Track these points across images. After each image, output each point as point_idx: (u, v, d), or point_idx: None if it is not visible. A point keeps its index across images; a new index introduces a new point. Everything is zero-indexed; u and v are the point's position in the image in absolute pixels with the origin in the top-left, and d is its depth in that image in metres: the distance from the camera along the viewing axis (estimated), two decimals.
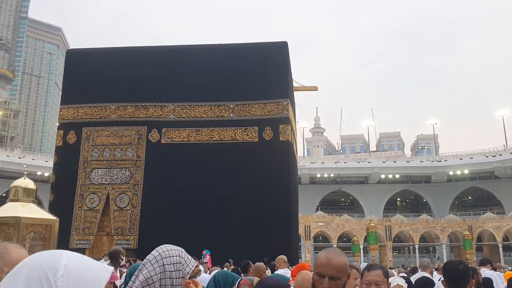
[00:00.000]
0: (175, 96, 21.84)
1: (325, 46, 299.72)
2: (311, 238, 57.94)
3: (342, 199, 76.70)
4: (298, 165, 67.56)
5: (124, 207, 20.86)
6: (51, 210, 21.11)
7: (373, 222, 29.57)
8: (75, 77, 22.80)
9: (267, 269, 11.35)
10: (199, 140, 21.36)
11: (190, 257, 3.95)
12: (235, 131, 21.29)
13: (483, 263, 9.92)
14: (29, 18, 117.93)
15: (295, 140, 24.61)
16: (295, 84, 26.48)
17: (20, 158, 55.51)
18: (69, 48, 48.50)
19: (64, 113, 22.41)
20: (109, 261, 7.62)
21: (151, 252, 2.28)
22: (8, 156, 55.89)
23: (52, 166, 22.43)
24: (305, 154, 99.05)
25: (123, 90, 21.97)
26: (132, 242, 20.45)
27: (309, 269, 9.64)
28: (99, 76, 22.27)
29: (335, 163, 68.41)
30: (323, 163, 68.71)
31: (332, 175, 68.41)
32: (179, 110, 21.74)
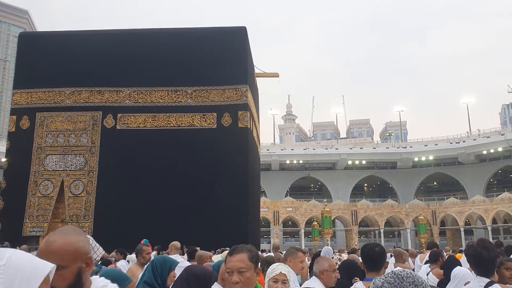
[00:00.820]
0: (131, 81, 21.44)
1: (298, 35, 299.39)
2: (280, 223, 58.37)
3: (311, 185, 77.39)
4: (268, 152, 68.05)
5: (79, 194, 20.51)
6: (4, 197, 20.75)
7: (327, 207, 29.89)
8: (28, 61, 22.15)
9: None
10: (155, 126, 21.06)
11: (99, 245, 3.81)
12: (193, 117, 21.07)
13: (429, 246, 10.40)
14: None
15: (255, 126, 24.51)
16: (257, 71, 26.30)
17: None
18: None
19: (17, 98, 21.78)
20: None
21: None
22: None
23: (5, 152, 21.82)
24: (278, 141, 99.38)
25: (78, 75, 21.45)
26: (88, 229, 20.12)
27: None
28: (53, 60, 21.68)
29: (304, 149, 68.83)
30: (293, 149, 69.06)
31: (301, 161, 68.92)
32: (135, 95, 21.38)
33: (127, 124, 21.14)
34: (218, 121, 20.91)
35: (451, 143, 63.48)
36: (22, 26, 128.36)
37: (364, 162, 68.32)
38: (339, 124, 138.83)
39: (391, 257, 9.28)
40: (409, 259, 10.28)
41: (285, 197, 65.07)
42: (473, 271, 3.80)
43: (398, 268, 2.07)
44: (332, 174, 70.03)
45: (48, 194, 20.56)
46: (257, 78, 27.63)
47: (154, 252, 13.59)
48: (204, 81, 21.30)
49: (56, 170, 20.77)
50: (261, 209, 58.06)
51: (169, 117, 21.10)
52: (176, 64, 21.42)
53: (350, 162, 68.45)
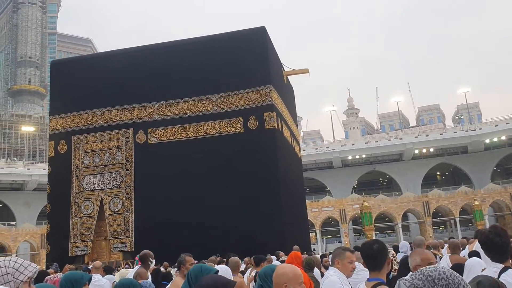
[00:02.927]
0: (159, 95, 21.74)
1: (352, 26, 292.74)
2: (348, 221, 57.13)
3: (380, 179, 75.19)
4: (327, 149, 66.91)
5: (118, 211, 21.01)
6: (49, 220, 21.68)
7: (366, 202, 28.62)
8: (61, 88, 23.14)
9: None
10: (185, 137, 21.18)
11: (27, 262, 3.64)
12: (220, 124, 20.98)
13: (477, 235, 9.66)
14: (58, 33, 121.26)
15: (288, 126, 24.02)
16: (286, 69, 25.85)
17: None
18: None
19: (54, 123, 22.76)
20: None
21: None
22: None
23: (47, 177, 22.81)
24: (344, 137, 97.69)
25: (108, 95, 22.08)
26: (129, 244, 20.58)
27: (301, 257, 9.26)
28: (84, 84, 22.45)
29: (365, 143, 66.95)
30: (353, 144, 67.40)
31: (364, 155, 67.12)
32: (163, 109, 21.64)
33: (158, 138, 21.42)
34: (244, 125, 20.69)
35: None
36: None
37: (432, 150, 65.38)
38: (408, 112, 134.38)
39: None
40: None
41: (351, 194, 63.61)
42: (487, 258, 3.78)
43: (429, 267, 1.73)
44: (399, 166, 67.67)
45: (89, 214, 21.22)
46: (290, 76, 27.18)
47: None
48: (228, 86, 21.19)
49: (94, 189, 21.42)
50: (324, 209, 57.47)
51: (197, 127, 21.15)
52: (199, 73, 21.47)
53: (417, 152, 65.79)
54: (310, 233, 56.97)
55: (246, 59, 21.15)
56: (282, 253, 14.63)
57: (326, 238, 64.93)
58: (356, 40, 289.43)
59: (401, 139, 65.59)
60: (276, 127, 20.75)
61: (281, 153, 21.07)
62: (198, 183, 20.40)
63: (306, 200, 61.60)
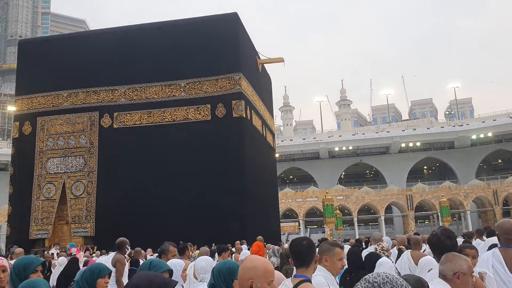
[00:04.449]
0: (126, 78, 21.29)
1: (353, 18, 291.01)
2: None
3: (367, 171, 75.07)
4: (314, 140, 66.63)
5: (80, 195, 20.66)
6: (11, 202, 21.28)
7: (329, 194, 28.36)
8: (27, 68, 22.62)
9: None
10: (151, 122, 20.79)
11: None
12: (187, 110, 20.58)
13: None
14: (52, 13, 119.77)
15: (258, 115, 23.62)
16: (261, 57, 25.40)
17: None
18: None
19: (19, 104, 22.31)
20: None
21: None
22: None
23: (10, 158, 22.41)
24: (336, 128, 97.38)
25: (74, 76, 21.61)
26: (89, 229, 20.28)
27: (263, 248, 8.99)
28: (50, 64, 22.00)
29: (352, 135, 66.68)
30: (341, 136, 67.14)
31: (350, 147, 66.88)
32: (130, 93, 21.20)
33: (123, 122, 21.02)
34: (212, 112, 20.32)
35: (511, 117, 59.16)
36: None
37: (418, 144, 65.18)
38: (401, 105, 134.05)
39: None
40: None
41: (337, 185, 63.50)
42: (435, 259, 3.92)
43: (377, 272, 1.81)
44: (386, 159, 67.50)
45: (51, 197, 20.87)
46: (265, 64, 26.78)
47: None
48: (197, 72, 20.77)
49: (57, 172, 21.05)
50: (308, 199, 57.39)
51: (164, 112, 20.76)
52: (168, 57, 21.02)
53: (404, 145, 65.60)
54: (293, 223, 57.03)
55: (216, 45, 20.69)
56: (238, 241, 14.38)
57: (310, 228, 64.93)
58: (353, 32, 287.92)
59: (388, 132, 65.38)
60: (244, 115, 20.37)
61: (248, 142, 20.72)
62: (163, 170, 20.08)
63: (292, 190, 61.73)
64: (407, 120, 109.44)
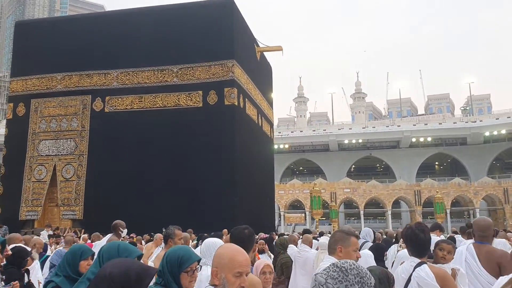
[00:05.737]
0: (119, 62, 21.14)
1: (375, 9, 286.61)
2: (338, 204, 56.70)
3: (377, 165, 74.42)
4: (324, 132, 66.13)
5: (70, 178, 20.67)
6: (4, 183, 21.40)
7: (317, 186, 28.04)
8: (23, 49, 22.63)
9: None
10: (142, 107, 20.64)
11: None
12: (179, 97, 20.39)
13: (432, 228, 9.51)
14: None
15: (253, 104, 23.33)
16: (260, 45, 25.05)
17: None
18: None
19: (14, 85, 22.35)
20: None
21: None
22: None
23: (3, 139, 22.51)
24: (350, 121, 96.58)
25: (69, 60, 21.52)
26: (78, 212, 20.30)
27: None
28: (46, 47, 21.96)
29: (363, 128, 66.02)
30: (351, 129, 66.52)
31: (360, 140, 66.28)
32: (122, 77, 21.08)
33: (115, 106, 20.93)
34: (204, 99, 20.09)
35: None
36: None
37: (429, 139, 64.28)
38: (417, 100, 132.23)
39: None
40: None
41: (345, 178, 63.07)
42: (408, 252, 4.02)
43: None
44: (396, 153, 66.80)
45: (42, 179, 20.93)
46: (264, 52, 26.44)
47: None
48: (190, 58, 20.54)
49: (49, 155, 21.08)
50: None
51: (155, 98, 20.59)
52: (162, 42, 20.83)
53: (414, 140, 64.77)
54: (300, 214, 56.75)
55: (210, 31, 20.41)
56: (225, 230, 14.17)
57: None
58: (373, 24, 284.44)
59: (399, 126, 64.56)
60: (237, 103, 20.10)
61: (240, 130, 20.46)
62: (153, 156, 19.96)
63: (299, 181, 61.43)
64: (422, 115, 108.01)
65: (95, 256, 3.15)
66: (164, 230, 16.70)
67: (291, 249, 9.65)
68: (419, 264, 3.74)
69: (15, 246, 5.71)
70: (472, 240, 6.69)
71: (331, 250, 3.62)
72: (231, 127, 19.83)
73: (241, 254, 2.47)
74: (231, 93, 19.91)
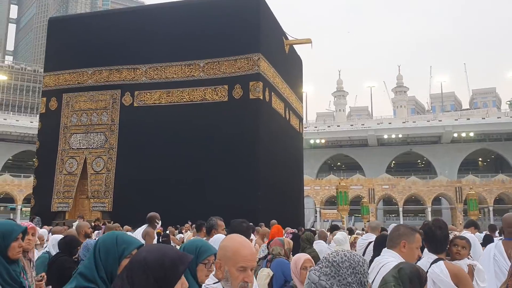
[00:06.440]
0: (148, 57, 21.43)
1: (416, 0, 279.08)
2: (376, 201, 55.83)
3: (418, 161, 72.75)
4: (363, 126, 65.11)
5: (100, 171, 21.14)
6: (37, 175, 22.11)
7: (343, 182, 27.46)
8: (56, 45, 23.27)
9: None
10: (169, 102, 20.87)
11: None
12: (205, 91, 20.49)
13: (467, 225, 9.67)
14: None
15: (280, 98, 23.15)
16: (289, 38, 24.83)
17: None
18: None
19: (47, 80, 23.02)
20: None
21: None
22: None
23: (37, 132, 23.21)
24: (392, 115, 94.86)
25: (99, 55, 21.98)
26: (107, 205, 20.74)
27: (282, 230, 9.06)
28: (78, 42, 22.47)
29: (403, 123, 64.60)
30: (390, 123, 65.20)
31: (400, 135, 64.86)
32: (150, 72, 21.35)
33: (144, 101, 21.22)
34: (229, 93, 20.11)
35: None
36: None
37: (472, 134, 62.24)
38: (461, 94, 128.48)
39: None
40: None
41: (384, 174, 61.92)
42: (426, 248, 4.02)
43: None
44: (437, 149, 65.06)
45: (73, 172, 21.48)
46: (294, 45, 26.21)
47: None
48: (216, 53, 20.59)
49: (80, 148, 21.61)
50: (352, 187, 56.22)
51: (183, 92, 20.77)
52: (189, 37, 20.95)
53: (456, 135, 62.87)
54: (336, 210, 56.12)
55: (236, 25, 20.39)
56: (222, 223, 14.16)
57: (355, 216, 63.85)
58: (414, 16, 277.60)
59: (440, 120, 62.82)
60: (262, 97, 20.02)
61: (265, 124, 20.36)
62: (180, 150, 20.11)
63: (336, 177, 60.74)
64: (467, 109, 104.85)
65: (91, 248, 2.86)
66: (189, 222, 16.82)
67: (320, 245, 9.46)
68: (435, 261, 3.73)
69: (67, 235, 5.85)
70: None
71: (393, 244, 3.48)
72: (256, 121, 19.76)
73: (247, 247, 2.36)
74: (256, 87, 19.83)
